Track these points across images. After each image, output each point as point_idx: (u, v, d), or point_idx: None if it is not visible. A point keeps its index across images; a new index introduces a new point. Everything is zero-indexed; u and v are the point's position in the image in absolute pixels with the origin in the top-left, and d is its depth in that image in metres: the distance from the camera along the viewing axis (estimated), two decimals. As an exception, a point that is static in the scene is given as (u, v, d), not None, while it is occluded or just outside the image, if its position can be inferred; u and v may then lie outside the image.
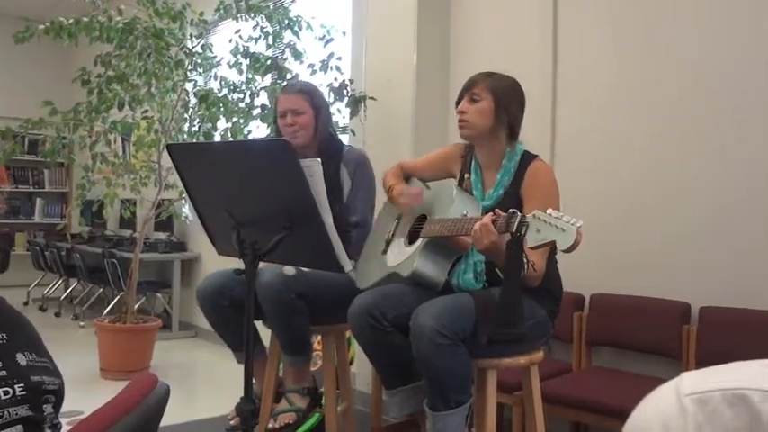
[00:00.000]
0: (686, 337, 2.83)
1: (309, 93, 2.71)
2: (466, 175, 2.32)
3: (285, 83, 4.24)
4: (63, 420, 1.24)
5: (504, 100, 2.20)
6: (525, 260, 1.85)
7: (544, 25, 3.48)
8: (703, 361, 2.75)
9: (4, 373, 1.11)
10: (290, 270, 2.41)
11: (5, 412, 1.08)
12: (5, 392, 1.10)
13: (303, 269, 2.43)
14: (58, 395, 1.22)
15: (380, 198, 2.67)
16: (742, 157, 2.79)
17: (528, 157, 2.22)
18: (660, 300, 2.97)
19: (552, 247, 1.89)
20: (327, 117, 2.77)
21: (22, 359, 1.16)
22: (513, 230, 1.79)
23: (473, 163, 2.31)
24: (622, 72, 3.20)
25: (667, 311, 2.92)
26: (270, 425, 2.54)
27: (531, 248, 1.77)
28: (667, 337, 2.88)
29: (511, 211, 1.84)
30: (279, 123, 2.71)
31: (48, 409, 1.18)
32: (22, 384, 1.12)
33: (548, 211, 1.74)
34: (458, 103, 2.27)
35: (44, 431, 1.16)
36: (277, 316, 2.43)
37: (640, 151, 3.11)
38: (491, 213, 1.91)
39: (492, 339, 1.91)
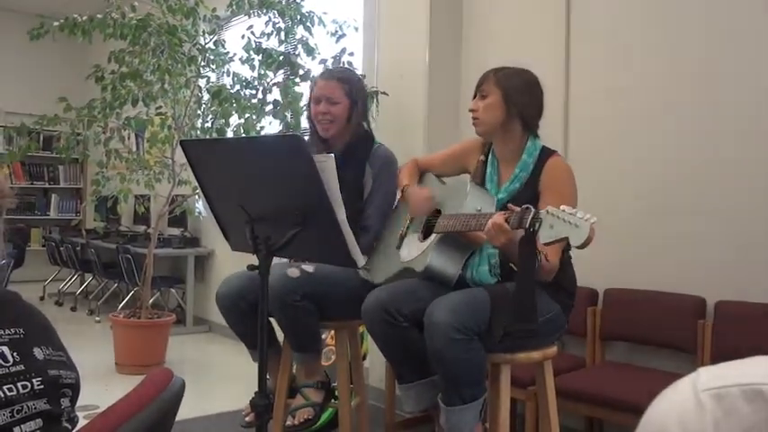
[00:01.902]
0: (701, 331, 2.82)
1: (349, 81, 2.58)
2: (481, 157, 2.31)
3: (298, 78, 4.24)
4: (79, 414, 1.25)
5: (511, 93, 2.19)
6: (538, 253, 1.85)
7: (557, 20, 3.46)
8: (719, 356, 2.73)
9: (22, 367, 1.12)
10: (294, 272, 2.40)
11: (24, 406, 1.09)
12: (24, 386, 1.10)
13: (308, 270, 2.43)
14: (75, 389, 1.23)
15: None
16: (759, 152, 2.77)
17: (546, 153, 2.21)
18: (675, 294, 2.95)
19: (566, 242, 1.88)
20: (363, 110, 2.63)
21: (39, 353, 1.16)
22: (527, 226, 1.78)
23: (491, 156, 2.31)
24: (636, 69, 3.17)
25: (682, 306, 2.91)
26: (288, 422, 2.54)
27: (545, 245, 1.76)
28: (682, 331, 2.86)
29: (524, 206, 1.84)
30: (312, 109, 2.58)
31: (65, 402, 1.19)
32: (39, 378, 1.13)
33: (561, 207, 1.73)
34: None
35: (62, 424, 1.17)
36: (283, 317, 2.45)
37: (655, 146, 3.09)
38: (502, 213, 1.90)
39: (506, 334, 1.91)
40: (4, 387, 1.08)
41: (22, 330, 1.16)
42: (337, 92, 2.53)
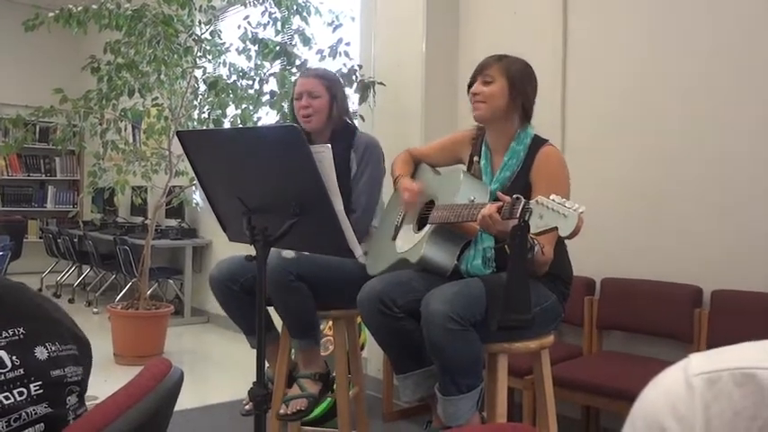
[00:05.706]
0: (698, 320, 2.83)
1: (327, 78, 2.73)
2: (475, 158, 2.30)
3: (294, 69, 4.23)
4: (80, 405, 1.23)
5: (517, 82, 2.19)
6: (533, 243, 1.85)
7: (554, 8, 3.45)
8: (715, 344, 2.69)
9: (21, 371, 1.08)
10: (288, 253, 2.42)
11: (23, 413, 1.06)
12: (20, 393, 1.07)
13: (304, 252, 2.44)
14: (83, 384, 1.21)
15: (388, 185, 2.66)
16: (755, 143, 2.77)
17: (539, 142, 2.20)
18: (671, 284, 2.96)
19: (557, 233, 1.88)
20: (343, 105, 2.75)
21: (42, 353, 1.12)
22: (517, 216, 1.79)
23: (483, 147, 2.30)
24: (634, 62, 3.17)
25: (679, 295, 2.92)
26: (281, 410, 2.55)
27: (535, 235, 1.77)
28: (679, 320, 2.88)
29: (515, 196, 1.83)
30: (294, 105, 2.72)
31: (71, 400, 1.16)
32: (39, 383, 1.09)
33: (551, 197, 1.73)
34: (470, 86, 2.26)
35: (69, 424, 1.13)
36: (278, 298, 2.46)
37: (652, 135, 3.09)
38: (493, 204, 1.90)
39: (500, 326, 1.91)
40: (0, 396, 1.05)
41: (22, 330, 1.12)
42: (317, 87, 2.66)
